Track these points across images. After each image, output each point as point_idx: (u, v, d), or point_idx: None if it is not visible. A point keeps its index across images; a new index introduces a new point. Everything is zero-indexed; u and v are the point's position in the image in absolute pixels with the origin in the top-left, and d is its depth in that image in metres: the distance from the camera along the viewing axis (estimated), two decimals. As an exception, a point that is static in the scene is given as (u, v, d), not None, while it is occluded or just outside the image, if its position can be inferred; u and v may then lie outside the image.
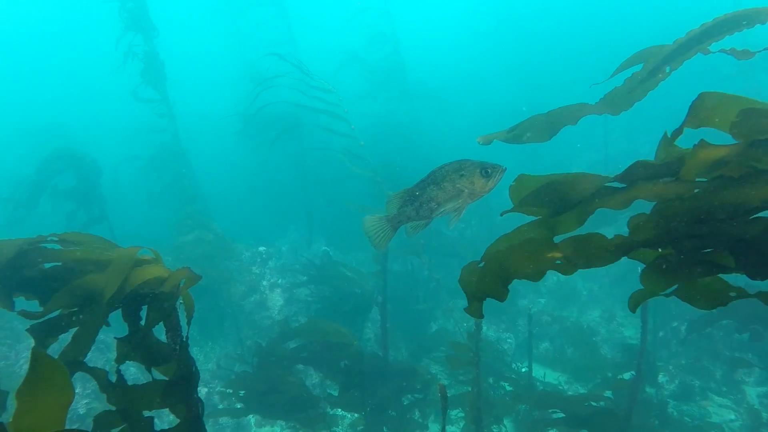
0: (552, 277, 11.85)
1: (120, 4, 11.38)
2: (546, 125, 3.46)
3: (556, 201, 2.51)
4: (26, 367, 2.08)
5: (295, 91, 8.31)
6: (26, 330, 2.97)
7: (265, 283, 8.21)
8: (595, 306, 11.48)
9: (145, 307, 3.00)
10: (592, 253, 2.24)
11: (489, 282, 2.45)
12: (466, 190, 3.00)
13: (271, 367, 6.57)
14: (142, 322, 2.98)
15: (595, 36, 22.22)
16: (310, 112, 9.07)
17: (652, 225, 2.21)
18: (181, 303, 2.96)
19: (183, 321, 2.92)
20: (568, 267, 2.26)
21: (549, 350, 10.12)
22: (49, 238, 3.10)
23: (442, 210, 3.08)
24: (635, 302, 2.37)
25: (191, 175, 11.55)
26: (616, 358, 9.49)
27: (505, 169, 3.03)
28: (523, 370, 8.38)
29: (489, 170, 2.96)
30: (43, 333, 2.93)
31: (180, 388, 2.90)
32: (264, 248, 8.86)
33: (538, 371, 8.88)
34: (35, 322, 2.91)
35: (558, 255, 2.28)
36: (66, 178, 10.95)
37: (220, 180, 16.80)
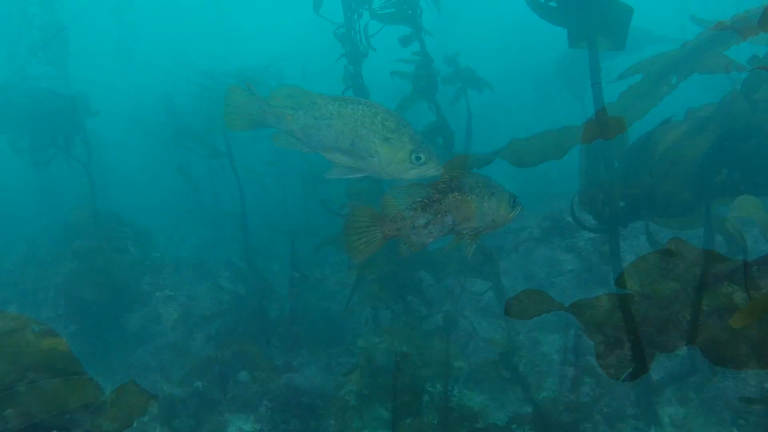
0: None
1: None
2: (522, 155, 2.93)
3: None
4: None
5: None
6: None
7: (158, 294, 7.37)
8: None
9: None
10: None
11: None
12: (491, 214, 2.38)
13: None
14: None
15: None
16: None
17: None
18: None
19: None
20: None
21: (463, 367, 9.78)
22: None
23: (455, 229, 2.40)
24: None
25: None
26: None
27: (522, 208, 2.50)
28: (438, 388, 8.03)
29: (516, 201, 2.41)
30: None
31: None
32: (158, 254, 7.99)
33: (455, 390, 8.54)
34: None
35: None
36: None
37: (130, 176, 15.56)
